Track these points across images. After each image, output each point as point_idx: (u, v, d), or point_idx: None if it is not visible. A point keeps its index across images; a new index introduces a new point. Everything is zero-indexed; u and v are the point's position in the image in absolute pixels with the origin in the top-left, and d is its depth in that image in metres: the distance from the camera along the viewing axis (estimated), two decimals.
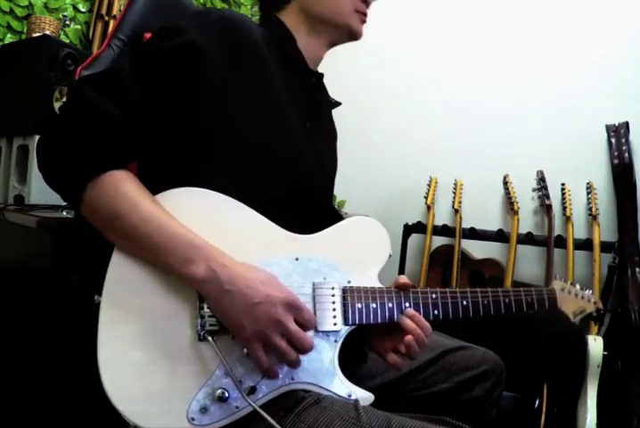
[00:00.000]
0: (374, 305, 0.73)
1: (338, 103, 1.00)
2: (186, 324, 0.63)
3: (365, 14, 0.89)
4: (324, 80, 0.95)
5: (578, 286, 0.90)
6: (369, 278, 0.76)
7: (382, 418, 0.61)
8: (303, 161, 0.81)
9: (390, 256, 0.79)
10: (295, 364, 0.64)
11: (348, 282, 0.74)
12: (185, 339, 0.63)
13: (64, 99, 1.26)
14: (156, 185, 0.68)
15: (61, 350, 1.00)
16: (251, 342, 0.61)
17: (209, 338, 0.62)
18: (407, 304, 0.75)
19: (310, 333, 0.67)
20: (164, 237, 0.62)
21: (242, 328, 0.61)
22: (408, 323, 0.73)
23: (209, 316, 0.63)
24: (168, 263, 0.62)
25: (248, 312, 0.61)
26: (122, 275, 0.64)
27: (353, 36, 0.90)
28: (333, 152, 1.00)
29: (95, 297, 0.62)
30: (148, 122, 0.68)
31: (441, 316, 0.76)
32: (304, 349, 0.64)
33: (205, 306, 0.63)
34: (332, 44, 0.91)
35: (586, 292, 0.90)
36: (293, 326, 0.63)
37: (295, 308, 0.64)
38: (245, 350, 0.63)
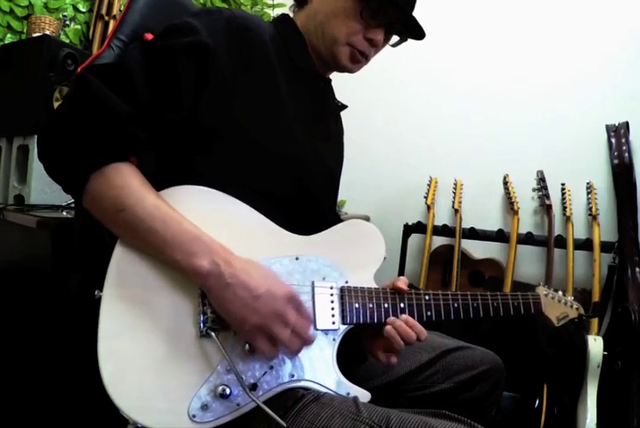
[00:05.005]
0: (371, 305, 0.75)
1: (344, 106, 1.00)
2: (188, 320, 0.64)
3: (363, 53, 0.83)
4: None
5: (560, 292, 0.94)
6: (365, 279, 0.78)
7: (382, 413, 0.62)
8: (304, 162, 0.81)
9: (385, 258, 0.81)
10: (297, 353, 0.66)
11: (346, 282, 0.76)
12: (187, 335, 0.63)
13: None
14: (158, 180, 0.68)
15: (62, 350, 1.00)
16: (253, 335, 0.62)
17: (212, 333, 0.62)
18: (402, 305, 0.77)
19: (309, 331, 0.67)
20: (170, 232, 0.62)
21: (243, 321, 0.61)
22: (398, 323, 0.74)
23: (212, 313, 0.63)
24: (173, 257, 0.62)
25: (249, 305, 0.61)
26: (124, 269, 0.64)
27: (338, 66, 0.86)
28: (339, 155, 1.00)
29: (96, 292, 0.62)
30: (154, 118, 0.68)
31: (434, 318, 0.79)
32: (306, 338, 0.64)
33: (207, 302, 0.64)
34: None
35: (569, 298, 0.94)
36: (294, 317, 0.63)
37: (296, 303, 0.65)
38: (247, 347, 0.63)
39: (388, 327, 0.74)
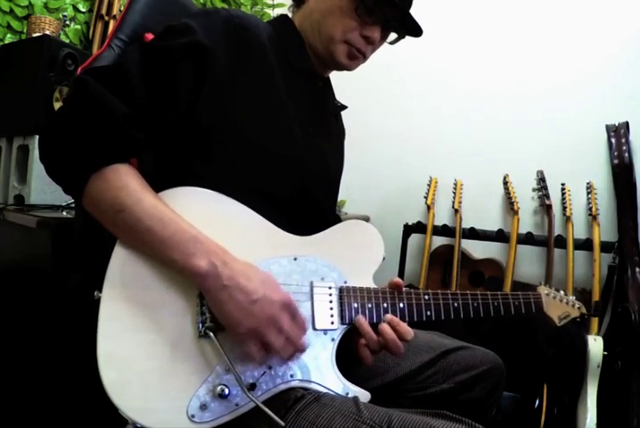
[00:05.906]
0: (370, 305, 0.75)
1: (344, 107, 1.00)
2: (187, 320, 0.64)
3: (359, 50, 0.83)
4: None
5: (562, 292, 0.93)
6: (364, 279, 0.78)
7: (383, 413, 0.62)
8: (303, 163, 0.81)
9: (384, 259, 0.81)
10: (290, 360, 0.65)
11: (345, 282, 0.76)
12: (186, 335, 0.63)
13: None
14: (157, 181, 0.68)
15: (61, 350, 1.00)
16: (246, 339, 0.61)
17: (211, 334, 0.62)
18: (401, 305, 0.77)
19: (308, 331, 0.68)
20: (168, 232, 0.62)
21: (237, 324, 0.61)
22: (384, 327, 0.73)
23: (210, 313, 0.63)
24: (171, 257, 0.62)
25: (245, 309, 0.61)
26: (123, 270, 0.64)
27: (335, 64, 0.86)
28: (339, 155, 0.99)
29: (95, 293, 0.63)
30: (152, 119, 0.68)
31: (434, 317, 0.78)
32: (298, 346, 0.64)
33: (205, 302, 0.64)
34: None
35: (571, 297, 0.93)
36: (289, 324, 0.63)
37: (291, 310, 0.65)
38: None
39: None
